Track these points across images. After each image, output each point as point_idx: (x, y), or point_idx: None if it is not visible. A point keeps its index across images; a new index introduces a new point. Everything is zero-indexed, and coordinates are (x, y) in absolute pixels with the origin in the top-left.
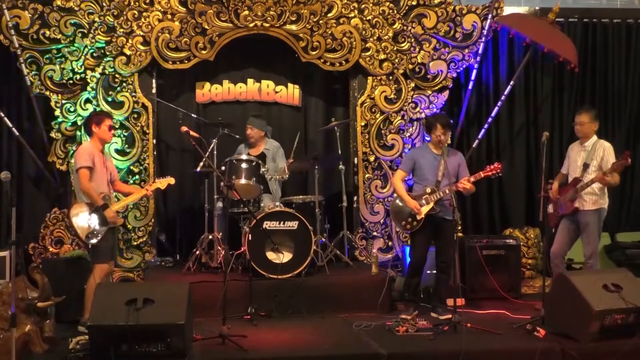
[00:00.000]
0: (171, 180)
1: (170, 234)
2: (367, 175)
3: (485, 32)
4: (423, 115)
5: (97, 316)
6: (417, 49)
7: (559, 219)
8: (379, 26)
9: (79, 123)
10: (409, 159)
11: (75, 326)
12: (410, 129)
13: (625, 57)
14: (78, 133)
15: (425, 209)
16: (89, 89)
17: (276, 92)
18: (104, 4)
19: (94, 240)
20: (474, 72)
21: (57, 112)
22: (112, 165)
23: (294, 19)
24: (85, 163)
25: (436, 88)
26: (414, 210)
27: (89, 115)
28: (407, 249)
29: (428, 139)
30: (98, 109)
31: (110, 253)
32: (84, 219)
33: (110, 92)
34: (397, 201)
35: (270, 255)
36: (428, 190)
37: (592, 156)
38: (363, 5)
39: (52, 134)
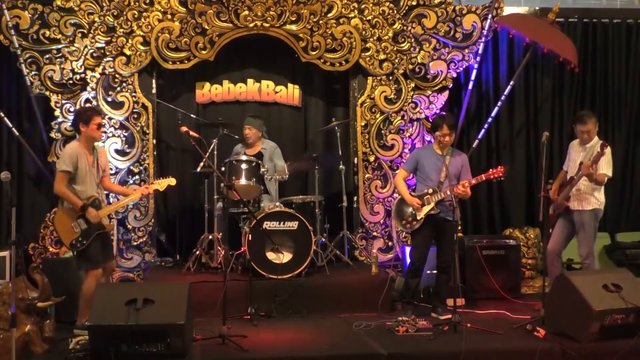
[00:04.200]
0: (172, 182)
1: (170, 234)
2: (367, 176)
3: (485, 32)
4: (423, 115)
5: (97, 316)
6: (417, 49)
7: (556, 218)
8: (379, 26)
9: None
10: (412, 159)
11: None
12: (410, 129)
13: (625, 57)
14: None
15: (426, 209)
16: (88, 89)
17: (276, 92)
18: (104, 4)
19: (79, 247)
20: (474, 72)
21: (57, 112)
22: (104, 162)
23: (294, 19)
24: (65, 167)
25: (436, 88)
26: (414, 206)
27: (77, 112)
28: (407, 249)
29: (428, 139)
30: (91, 105)
31: (101, 257)
32: (72, 225)
33: (110, 92)
34: (399, 200)
35: (270, 255)
36: (430, 190)
37: (589, 156)
38: (363, 5)
39: (52, 134)
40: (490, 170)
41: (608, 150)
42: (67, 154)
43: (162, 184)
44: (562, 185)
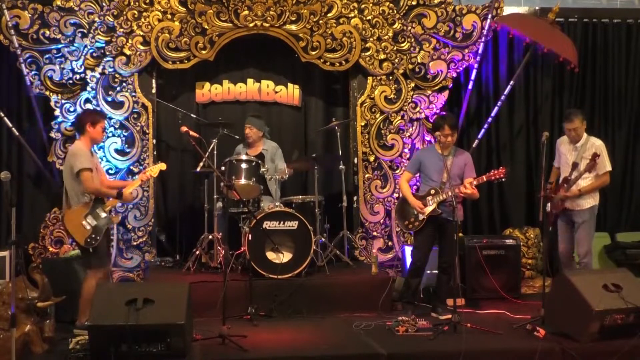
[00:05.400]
0: (162, 166)
1: (170, 234)
2: (367, 175)
3: (485, 32)
4: (423, 115)
5: (97, 316)
6: (417, 49)
7: (555, 218)
8: (379, 26)
9: None
10: (415, 160)
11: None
12: (410, 129)
13: (625, 57)
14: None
15: (428, 210)
16: (88, 89)
17: (276, 92)
18: (104, 4)
19: (94, 243)
20: (474, 72)
21: (57, 112)
22: (97, 161)
23: (294, 19)
24: (88, 164)
25: (436, 88)
26: (417, 210)
27: (84, 113)
28: (407, 249)
29: (428, 138)
30: (98, 109)
31: (106, 256)
32: (82, 223)
33: (110, 92)
34: (401, 201)
35: (270, 255)
36: (432, 191)
37: (581, 155)
38: (363, 5)
39: (52, 134)
40: (492, 171)
41: (602, 147)
42: (84, 153)
43: (154, 170)
44: (557, 182)
